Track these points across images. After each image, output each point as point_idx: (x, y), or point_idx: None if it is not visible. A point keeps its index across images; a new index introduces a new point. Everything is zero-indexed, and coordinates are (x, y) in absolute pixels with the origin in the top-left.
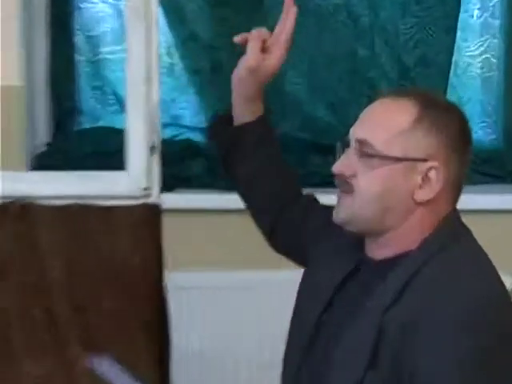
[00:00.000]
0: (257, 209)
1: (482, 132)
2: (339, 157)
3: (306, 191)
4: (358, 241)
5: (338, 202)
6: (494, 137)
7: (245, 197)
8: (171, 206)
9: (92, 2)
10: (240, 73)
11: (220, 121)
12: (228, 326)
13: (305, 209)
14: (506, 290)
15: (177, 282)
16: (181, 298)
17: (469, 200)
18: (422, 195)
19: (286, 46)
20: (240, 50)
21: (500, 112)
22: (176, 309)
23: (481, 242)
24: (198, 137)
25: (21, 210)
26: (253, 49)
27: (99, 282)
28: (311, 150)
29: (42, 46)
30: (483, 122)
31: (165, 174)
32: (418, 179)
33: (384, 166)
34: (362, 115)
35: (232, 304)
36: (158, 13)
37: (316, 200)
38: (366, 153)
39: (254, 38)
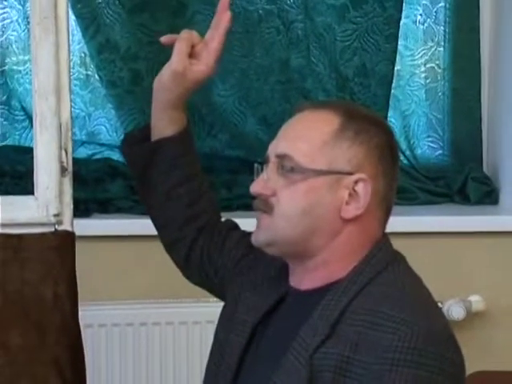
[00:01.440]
0: (170, 234)
1: (428, 147)
2: (257, 176)
3: (236, 214)
4: (283, 271)
5: (257, 224)
6: (440, 152)
7: (157, 220)
8: (86, 233)
9: None
10: (163, 77)
11: (134, 135)
12: (151, 365)
13: (223, 237)
14: (446, 320)
15: (93, 316)
16: (99, 335)
17: (415, 221)
18: (350, 211)
19: (216, 54)
20: (162, 59)
21: (446, 125)
22: (94, 346)
23: (427, 266)
24: (116, 156)
25: None
26: (179, 52)
27: (6, 316)
28: (242, 169)
29: None
30: (429, 136)
31: (79, 198)
32: (345, 194)
33: (307, 179)
34: (280, 131)
35: (156, 341)
36: (68, 18)
37: (236, 226)
38: (287, 167)
39: (182, 39)
